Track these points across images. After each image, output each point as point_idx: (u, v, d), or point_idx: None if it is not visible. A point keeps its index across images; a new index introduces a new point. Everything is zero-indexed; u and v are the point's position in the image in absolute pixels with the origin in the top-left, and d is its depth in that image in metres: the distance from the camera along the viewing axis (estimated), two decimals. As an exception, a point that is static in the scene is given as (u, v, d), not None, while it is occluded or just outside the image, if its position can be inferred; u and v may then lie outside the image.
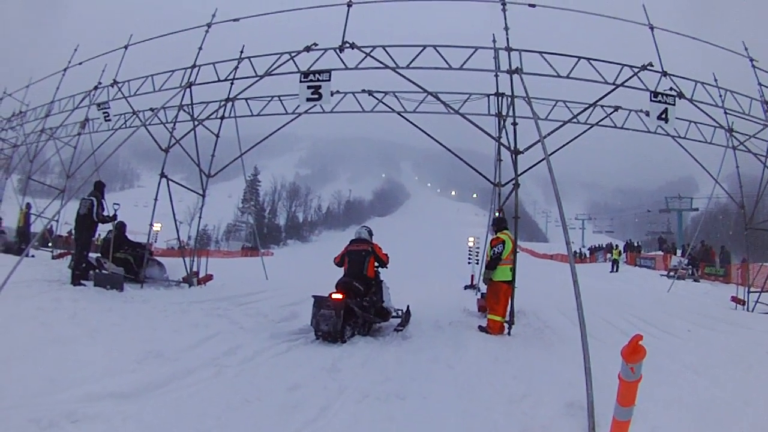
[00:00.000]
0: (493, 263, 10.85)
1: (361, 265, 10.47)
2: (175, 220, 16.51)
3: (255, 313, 11.60)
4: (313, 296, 9.51)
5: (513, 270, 10.98)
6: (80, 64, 19.74)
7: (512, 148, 12.24)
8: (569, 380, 6.21)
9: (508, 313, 10.96)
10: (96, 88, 18.02)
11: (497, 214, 12.92)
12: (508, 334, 10.70)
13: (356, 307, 9.65)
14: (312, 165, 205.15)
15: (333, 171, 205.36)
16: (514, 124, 12.48)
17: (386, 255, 10.94)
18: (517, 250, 11.41)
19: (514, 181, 12.03)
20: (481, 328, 10.77)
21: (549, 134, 11.99)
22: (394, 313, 11.52)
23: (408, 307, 12.14)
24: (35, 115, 21.97)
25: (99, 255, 14.25)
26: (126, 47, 17.26)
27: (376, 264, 10.81)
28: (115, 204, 14.07)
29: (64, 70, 20.31)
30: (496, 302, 10.71)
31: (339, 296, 9.33)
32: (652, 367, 6.44)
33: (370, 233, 11.28)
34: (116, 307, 10.19)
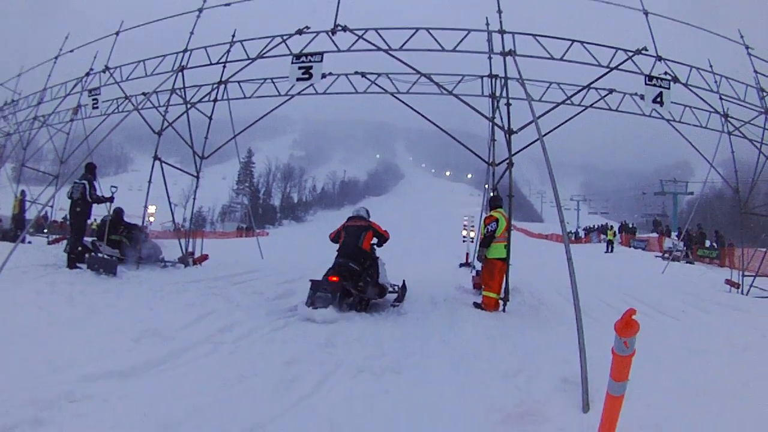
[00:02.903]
0: (487, 241, 10.97)
1: (357, 238, 10.70)
2: (170, 203, 16.54)
3: (251, 291, 11.65)
4: (311, 280, 9.70)
5: (507, 247, 11.08)
6: (71, 51, 19.60)
7: (506, 128, 12.29)
8: (564, 356, 6.21)
9: (503, 290, 11.03)
10: (88, 74, 17.89)
11: (492, 193, 12.96)
12: (503, 310, 10.78)
13: (352, 289, 9.87)
14: (306, 147, 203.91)
15: (327, 152, 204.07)
16: (508, 104, 12.52)
17: (386, 231, 11.15)
18: (512, 229, 11.47)
19: (508, 161, 12.10)
20: (476, 305, 10.84)
21: (542, 115, 12.06)
22: (390, 289, 11.80)
23: (404, 281, 12.39)
24: (27, 103, 21.82)
25: (94, 238, 14.35)
26: (117, 33, 17.10)
27: (374, 240, 11.00)
28: (112, 186, 14.05)
29: (56, 57, 20.18)
30: (490, 279, 10.82)
31: (335, 279, 9.55)
32: (646, 347, 6.48)
33: (368, 213, 11.54)
34: (112, 289, 10.19)
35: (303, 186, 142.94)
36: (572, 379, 5.47)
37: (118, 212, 14.69)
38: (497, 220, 10.98)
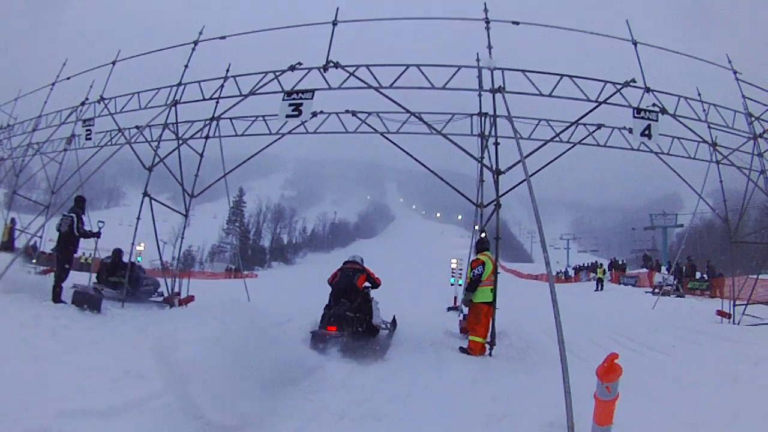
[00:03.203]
0: (473, 285, 10.90)
1: (352, 278, 11.37)
2: (157, 241, 16.39)
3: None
4: (311, 332, 10.35)
5: (494, 291, 11.00)
6: (68, 78, 19.44)
7: (494, 169, 12.31)
8: (550, 400, 6.16)
9: (489, 334, 10.95)
10: (83, 103, 17.79)
11: (481, 235, 12.95)
12: (490, 355, 10.72)
13: (349, 336, 10.22)
14: (297, 186, 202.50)
15: (319, 192, 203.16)
16: (496, 143, 12.58)
17: (378, 279, 11.96)
18: (499, 271, 11.44)
19: (495, 202, 12.11)
20: (462, 350, 10.78)
21: (530, 154, 12.04)
22: (383, 326, 12.52)
23: (394, 317, 13.51)
24: (23, 129, 21.73)
25: (95, 282, 14.81)
26: (113, 63, 17.07)
27: (367, 283, 11.64)
28: (99, 221, 14.06)
29: (53, 84, 20.03)
30: (477, 323, 10.75)
31: (333, 329, 10.09)
32: (636, 385, 6.42)
33: (362, 261, 12.20)
34: (96, 326, 10.18)
35: (293, 227, 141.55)
36: (558, 422, 5.41)
37: (118, 253, 15.40)
38: (484, 264, 10.93)
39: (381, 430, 5.71)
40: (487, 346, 10.82)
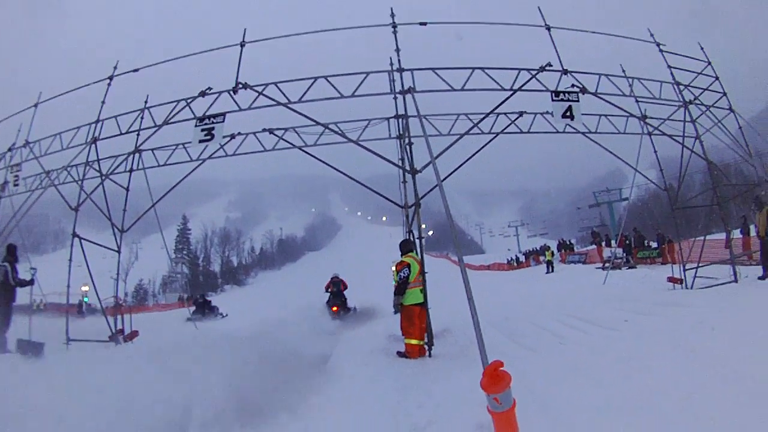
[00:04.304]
0: (401, 288, 10.89)
1: (340, 285, 21.92)
2: (92, 278, 16.05)
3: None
4: (331, 310, 20.22)
5: (423, 291, 11.07)
6: (-6, 126, 19.21)
7: (409, 169, 12.45)
8: (483, 399, 6.07)
9: (426, 334, 10.97)
10: (10, 149, 17.51)
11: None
12: (429, 356, 10.67)
13: (342, 310, 20.87)
14: (241, 208, 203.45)
15: (263, 211, 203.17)
16: (410, 144, 12.72)
17: (347, 284, 22.39)
18: (426, 271, 11.41)
19: (415, 202, 12.31)
20: (400, 354, 10.68)
21: (444, 150, 12.16)
22: (352, 307, 22.24)
23: (354, 306, 22.39)
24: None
25: (193, 312, 26.46)
26: (36, 105, 16.83)
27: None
28: (31, 268, 14.07)
29: (-20, 132, 19.74)
30: (410, 326, 10.68)
31: (336, 309, 20.58)
32: (580, 370, 6.32)
33: (339, 275, 22.61)
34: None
35: (241, 248, 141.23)
36: (488, 424, 5.23)
37: (203, 296, 30.21)
38: (409, 266, 10.89)
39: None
40: (426, 347, 10.82)
